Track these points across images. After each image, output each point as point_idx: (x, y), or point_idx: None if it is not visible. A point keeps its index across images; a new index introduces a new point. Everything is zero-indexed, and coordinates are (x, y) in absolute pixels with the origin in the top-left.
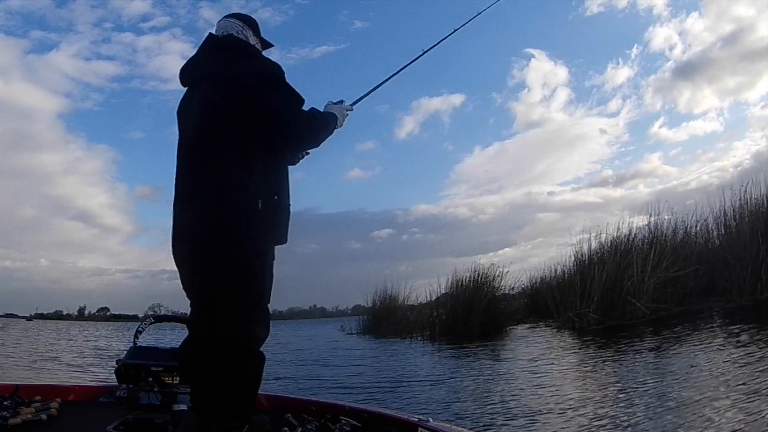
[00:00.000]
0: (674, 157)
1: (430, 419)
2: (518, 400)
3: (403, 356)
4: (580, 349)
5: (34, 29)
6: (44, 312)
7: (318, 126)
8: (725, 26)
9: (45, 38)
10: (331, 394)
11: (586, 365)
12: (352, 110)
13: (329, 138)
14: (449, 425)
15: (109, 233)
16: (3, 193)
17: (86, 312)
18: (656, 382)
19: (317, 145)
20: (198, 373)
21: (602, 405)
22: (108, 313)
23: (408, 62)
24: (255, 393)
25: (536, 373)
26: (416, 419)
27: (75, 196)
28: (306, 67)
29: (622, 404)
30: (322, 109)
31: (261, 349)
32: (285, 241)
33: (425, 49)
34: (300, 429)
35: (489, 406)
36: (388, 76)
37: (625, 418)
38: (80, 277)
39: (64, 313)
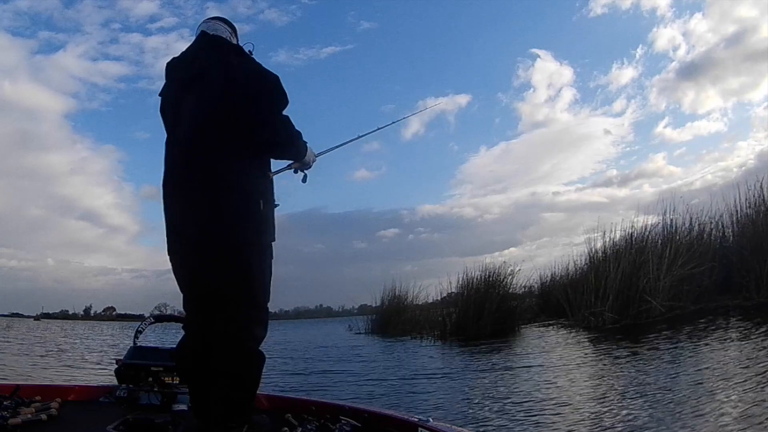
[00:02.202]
0: (679, 157)
1: (430, 419)
2: (542, 403)
3: (416, 356)
4: (599, 348)
5: (41, 30)
6: (50, 311)
7: (296, 138)
8: (728, 27)
9: (52, 39)
10: (345, 395)
11: (608, 366)
12: (315, 160)
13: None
14: (449, 425)
15: (116, 233)
16: (10, 193)
17: (92, 312)
18: (680, 383)
19: (287, 155)
20: (197, 373)
21: (628, 409)
22: (114, 313)
23: (357, 136)
24: (254, 393)
25: (559, 375)
26: (416, 419)
27: (81, 196)
28: (313, 67)
29: (645, 407)
30: None
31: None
32: (275, 239)
33: (360, 134)
34: (300, 429)
35: (511, 409)
36: (347, 140)
37: (646, 420)
38: (86, 277)
39: (70, 312)
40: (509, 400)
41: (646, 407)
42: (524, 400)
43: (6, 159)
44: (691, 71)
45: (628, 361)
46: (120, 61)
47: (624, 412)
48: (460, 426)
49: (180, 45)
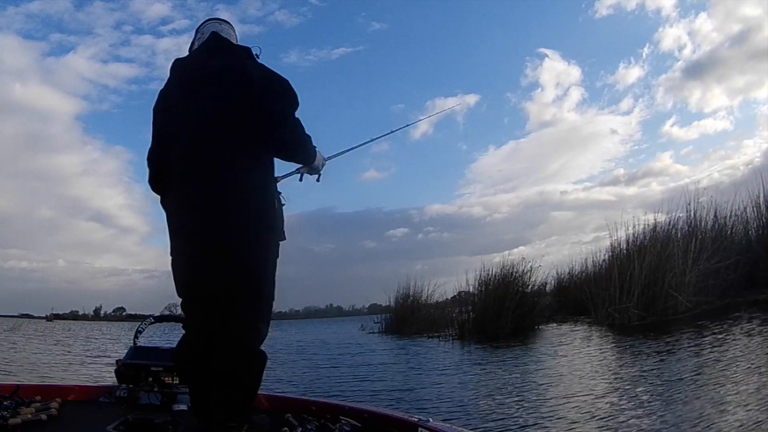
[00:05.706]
0: (686, 155)
1: (430, 419)
2: (573, 403)
3: (437, 358)
4: (630, 348)
5: (52, 32)
6: (60, 312)
7: (307, 140)
8: (733, 26)
9: (64, 41)
10: (372, 400)
11: (644, 366)
12: (325, 164)
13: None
14: (449, 425)
15: (126, 234)
16: (21, 195)
17: (102, 312)
18: (719, 383)
19: (297, 157)
20: (198, 373)
21: (663, 408)
22: (124, 313)
23: (371, 139)
24: (255, 393)
25: (596, 377)
26: (416, 419)
27: (92, 197)
28: (324, 68)
29: (677, 407)
30: None
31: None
32: (285, 238)
33: (373, 137)
34: (300, 429)
35: (549, 408)
36: (361, 143)
37: (676, 420)
38: (97, 278)
39: (80, 313)
40: (548, 402)
41: (678, 407)
42: (560, 400)
43: (17, 160)
44: (697, 70)
45: (661, 361)
46: (131, 63)
47: (659, 412)
48: (461, 426)
49: None
